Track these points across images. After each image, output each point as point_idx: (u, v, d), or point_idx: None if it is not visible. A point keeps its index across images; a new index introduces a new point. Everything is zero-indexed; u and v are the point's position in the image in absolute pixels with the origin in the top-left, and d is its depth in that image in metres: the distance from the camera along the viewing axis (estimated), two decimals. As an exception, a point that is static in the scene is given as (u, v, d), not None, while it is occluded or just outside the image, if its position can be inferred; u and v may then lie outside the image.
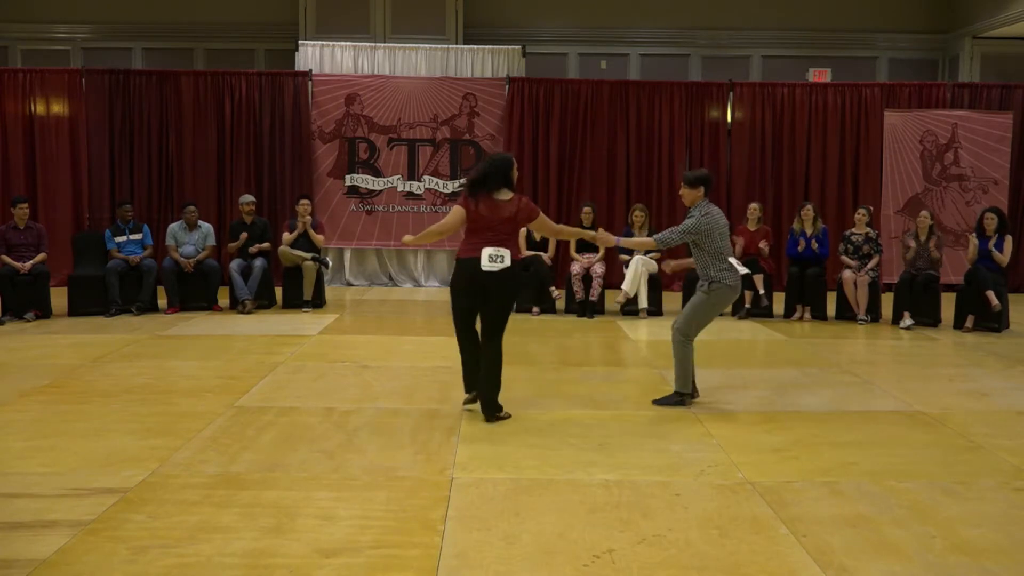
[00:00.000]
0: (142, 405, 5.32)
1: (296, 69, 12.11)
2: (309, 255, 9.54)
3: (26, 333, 7.92)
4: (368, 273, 12.40)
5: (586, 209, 9.52)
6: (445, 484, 3.95)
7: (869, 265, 8.99)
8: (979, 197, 11.33)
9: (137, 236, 9.40)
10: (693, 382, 5.38)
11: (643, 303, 9.24)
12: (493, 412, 4.99)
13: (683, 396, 5.35)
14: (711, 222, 5.25)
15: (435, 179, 12.15)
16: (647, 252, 9.08)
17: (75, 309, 8.98)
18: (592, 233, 5.78)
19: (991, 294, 8.26)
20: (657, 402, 5.40)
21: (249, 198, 9.90)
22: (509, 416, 5.03)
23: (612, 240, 5.57)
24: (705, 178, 5.36)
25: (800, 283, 9.18)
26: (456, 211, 5.09)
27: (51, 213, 11.68)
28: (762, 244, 9.31)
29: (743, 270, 5.49)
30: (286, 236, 9.66)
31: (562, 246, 10.23)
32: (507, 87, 12.02)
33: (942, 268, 9.09)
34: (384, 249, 12.31)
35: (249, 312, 9.17)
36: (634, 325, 8.77)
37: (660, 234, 5.46)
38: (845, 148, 12.17)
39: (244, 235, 9.56)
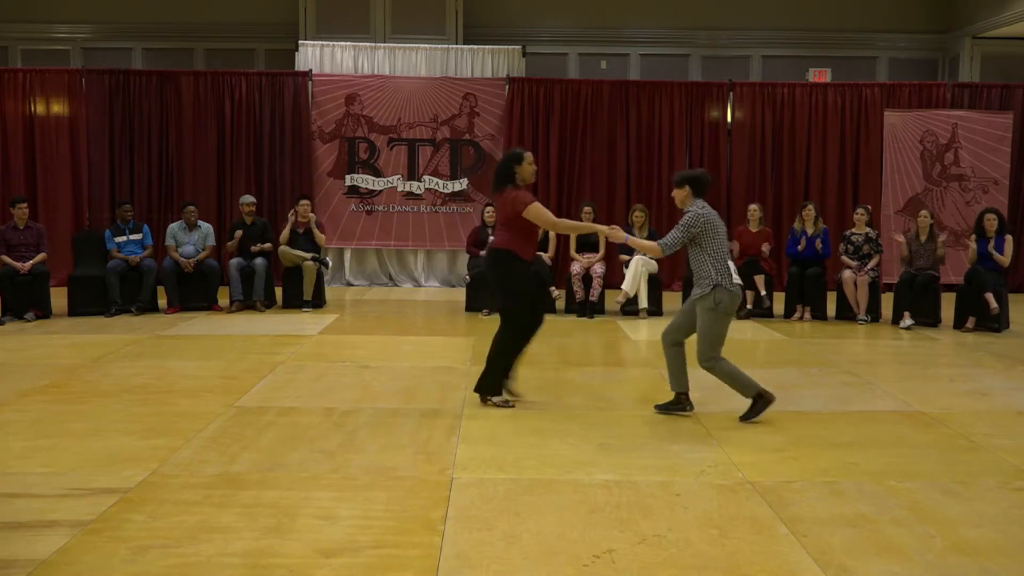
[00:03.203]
0: (142, 405, 5.31)
1: (296, 69, 12.11)
2: (309, 255, 9.54)
3: (26, 333, 7.92)
4: (368, 273, 12.40)
5: (586, 209, 9.52)
6: (445, 484, 3.95)
7: (869, 265, 8.99)
8: (979, 197, 11.33)
9: (137, 236, 9.40)
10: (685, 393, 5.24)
11: (643, 303, 9.24)
12: (479, 390, 5.36)
13: (764, 398, 5.04)
14: (709, 217, 5.03)
15: (435, 179, 12.15)
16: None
17: (75, 309, 8.98)
18: (604, 228, 5.50)
19: (990, 296, 8.26)
20: (745, 418, 5.09)
21: (249, 198, 9.91)
22: (504, 405, 5.30)
23: (622, 236, 5.34)
24: (690, 178, 5.14)
25: (800, 283, 9.18)
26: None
27: (51, 213, 11.68)
28: (764, 247, 9.31)
29: (738, 280, 5.21)
30: (283, 235, 9.66)
31: (562, 246, 10.21)
32: (507, 87, 12.02)
33: (942, 267, 9.09)
34: (384, 249, 12.31)
35: (258, 311, 9.34)
36: (634, 325, 8.77)
37: (664, 239, 5.14)
38: (845, 148, 12.17)
39: (239, 233, 9.57)
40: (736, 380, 5.08)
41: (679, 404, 5.20)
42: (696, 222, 5.00)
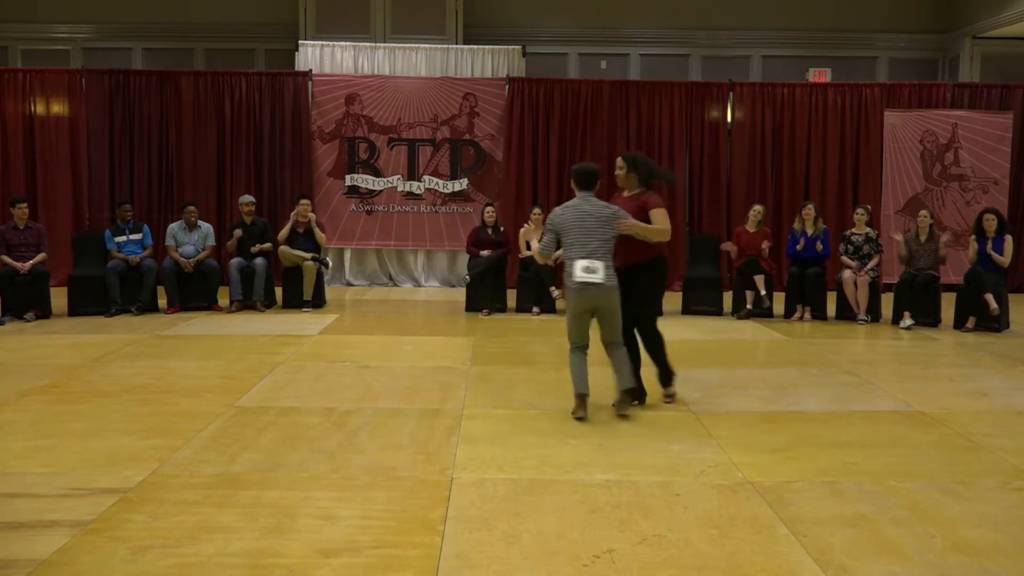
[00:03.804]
0: (142, 405, 5.31)
1: (296, 69, 12.11)
2: (309, 255, 9.54)
3: (26, 333, 7.92)
4: (368, 273, 12.40)
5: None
6: (445, 484, 3.95)
7: (869, 265, 8.99)
8: (979, 197, 11.34)
9: (137, 236, 9.40)
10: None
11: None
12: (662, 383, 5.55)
13: (581, 399, 5.08)
14: (557, 219, 5.10)
15: (435, 179, 12.15)
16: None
17: (75, 309, 8.98)
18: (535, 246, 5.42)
19: (990, 297, 8.26)
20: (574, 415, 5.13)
21: (249, 198, 9.91)
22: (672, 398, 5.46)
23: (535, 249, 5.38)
24: (573, 171, 5.25)
25: (800, 283, 9.17)
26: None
27: (51, 213, 11.68)
28: (764, 245, 9.31)
29: (589, 277, 4.95)
30: (282, 233, 9.66)
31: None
32: (507, 87, 12.02)
33: (942, 267, 9.09)
34: (384, 249, 12.31)
35: (257, 312, 9.33)
36: (634, 325, 8.75)
37: (540, 244, 5.36)
38: (845, 148, 12.17)
39: (238, 232, 9.56)
40: (572, 372, 5.14)
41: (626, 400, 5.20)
42: (551, 222, 5.15)
